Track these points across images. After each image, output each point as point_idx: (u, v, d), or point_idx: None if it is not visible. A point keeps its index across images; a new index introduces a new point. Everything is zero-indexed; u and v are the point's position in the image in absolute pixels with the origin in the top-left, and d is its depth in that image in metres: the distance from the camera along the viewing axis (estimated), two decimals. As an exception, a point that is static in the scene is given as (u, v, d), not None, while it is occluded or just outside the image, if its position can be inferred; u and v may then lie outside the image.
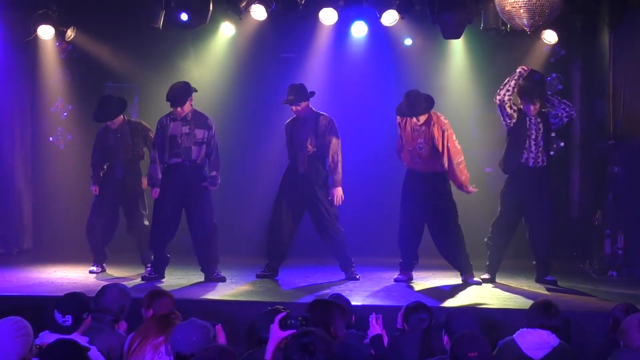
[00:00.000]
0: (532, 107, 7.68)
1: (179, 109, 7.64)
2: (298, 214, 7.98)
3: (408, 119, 7.75)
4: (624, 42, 8.62)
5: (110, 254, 8.40)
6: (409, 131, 7.78)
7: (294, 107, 7.86)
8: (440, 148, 7.66)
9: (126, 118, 8.40)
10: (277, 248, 7.94)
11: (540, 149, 7.75)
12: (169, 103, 7.66)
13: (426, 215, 7.80)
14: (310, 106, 7.93)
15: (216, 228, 7.84)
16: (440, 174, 7.76)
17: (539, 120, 7.75)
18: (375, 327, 4.69)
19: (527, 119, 7.73)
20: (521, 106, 7.76)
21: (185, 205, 7.77)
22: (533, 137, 7.72)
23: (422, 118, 7.70)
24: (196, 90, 7.80)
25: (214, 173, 7.78)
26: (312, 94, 7.90)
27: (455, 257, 7.82)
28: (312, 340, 3.52)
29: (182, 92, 7.69)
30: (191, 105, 7.74)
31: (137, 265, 8.29)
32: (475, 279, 7.74)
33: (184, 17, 8.61)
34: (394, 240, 8.03)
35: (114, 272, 8.18)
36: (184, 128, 7.69)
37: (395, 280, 7.80)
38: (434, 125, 7.70)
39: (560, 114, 7.76)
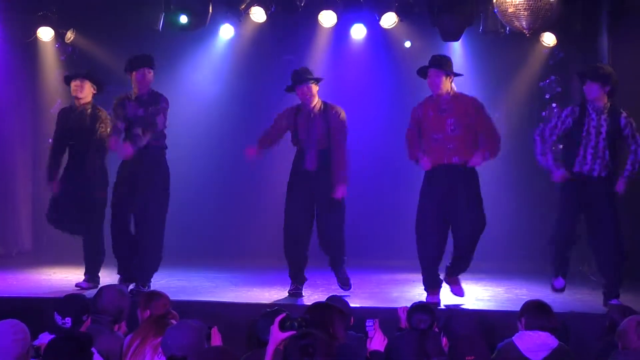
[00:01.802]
0: (594, 87, 6.72)
1: (137, 75, 7.07)
2: (312, 216, 7.21)
3: (429, 103, 6.88)
4: (623, 46, 8.63)
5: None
6: (433, 116, 6.83)
7: (305, 89, 7.02)
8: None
9: (92, 103, 7.59)
10: (302, 257, 7.21)
11: (598, 156, 6.78)
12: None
13: (451, 213, 6.81)
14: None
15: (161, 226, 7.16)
16: (471, 167, 6.82)
17: (602, 119, 6.78)
18: (375, 342, 4.45)
19: (587, 118, 6.77)
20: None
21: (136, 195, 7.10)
22: (592, 142, 6.79)
23: (446, 87, 6.82)
24: (152, 67, 7.23)
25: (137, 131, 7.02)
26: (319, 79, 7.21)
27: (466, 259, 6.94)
28: (311, 343, 3.52)
29: (140, 58, 7.18)
30: (149, 84, 7.15)
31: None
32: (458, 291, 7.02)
33: (183, 19, 8.63)
34: (393, 242, 8.00)
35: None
36: (139, 110, 7.10)
37: (427, 301, 6.64)
38: (463, 98, 6.89)
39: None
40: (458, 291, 7.02)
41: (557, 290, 7.02)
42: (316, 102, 7.14)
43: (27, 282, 7.60)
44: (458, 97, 6.89)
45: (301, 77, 7.07)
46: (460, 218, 6.79)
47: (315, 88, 7.10)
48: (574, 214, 6.97)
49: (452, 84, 6.92)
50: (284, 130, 7.30)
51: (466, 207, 6.77)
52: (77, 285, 7.22)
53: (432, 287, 6.93)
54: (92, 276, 7.45)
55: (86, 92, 7.48)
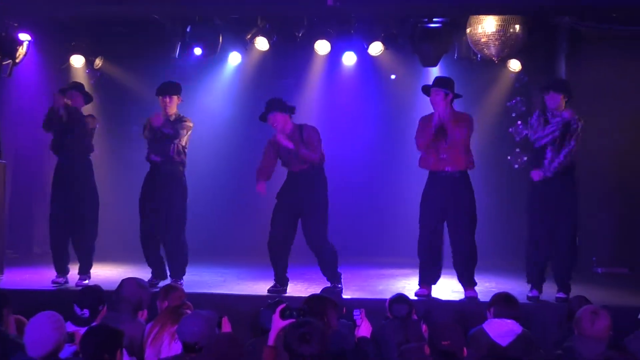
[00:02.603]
0: (557, 97, 6.62)
1: (167, 99, 7.11)
2: (295, 221, 7.01)
3: (434, 117, 6.68)
4: (578, 70, 8.72)
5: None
6: (436, 128, 6.68)
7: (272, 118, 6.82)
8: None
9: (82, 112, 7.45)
10: (283, 259, 6.97)
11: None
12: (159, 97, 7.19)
13: (448, 218, 6.71)
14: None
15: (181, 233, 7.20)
16: (464, 173, 6.73)
17: (561, 124, 6.62)
18: (362, 329, 4.50)
19: (548, 124, 6.65)
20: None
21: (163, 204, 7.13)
22: (550, 143, 6.63)
23: (445, 104, 6.64)
24: (180, 97, 7.26)
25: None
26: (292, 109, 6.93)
27: (466, 269, 6.76)
28: (309, 331, 3.55)
29: (172, 86, 7.23)
30: (175, 108, 7.19)
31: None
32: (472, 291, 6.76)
33: (197, 50, 8.68)
34: (380, 241, 7.98)
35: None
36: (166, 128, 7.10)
37: (416, 294, 6.57)
38: (460, 115, 6.74)
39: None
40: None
41: (531, 298, 6.65)
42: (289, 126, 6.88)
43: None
44: (457, 114, 6.76)
45: (272, 107, 6.83)
46: (456, 221, 6.71)
47: (282, 117, 6.83)
48: (547, 230, 6.75)
49: (452, 103, 6.76)
50: (274, 159, 7.04)
51: (460, 211, 6.68)
52: (53, 282, 7.24)
53: (424, 282, 6.81)
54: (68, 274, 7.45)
55: (79, 103, 7.39)
